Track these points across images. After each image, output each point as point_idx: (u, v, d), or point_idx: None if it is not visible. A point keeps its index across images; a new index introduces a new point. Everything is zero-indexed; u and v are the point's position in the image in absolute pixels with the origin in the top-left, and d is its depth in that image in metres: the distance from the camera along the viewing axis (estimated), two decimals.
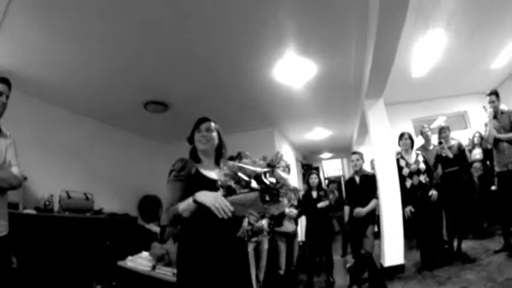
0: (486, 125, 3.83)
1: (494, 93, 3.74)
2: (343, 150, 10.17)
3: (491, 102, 3.74)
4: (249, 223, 2.77)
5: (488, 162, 4.72)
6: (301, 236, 5.79)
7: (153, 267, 2.94)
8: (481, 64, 5.21)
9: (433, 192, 3.86)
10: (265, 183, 1.71)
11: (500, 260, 3.52)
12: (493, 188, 4.36)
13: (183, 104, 4.98)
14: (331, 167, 13.42)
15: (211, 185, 1.76)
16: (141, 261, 3.09)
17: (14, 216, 2.51)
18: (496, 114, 3.74)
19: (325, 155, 11.54)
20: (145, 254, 3.23)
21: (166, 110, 5.08)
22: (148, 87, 4.42)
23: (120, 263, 3.19)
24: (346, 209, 4.40)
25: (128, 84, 4.28)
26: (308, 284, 4.55)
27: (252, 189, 1.67)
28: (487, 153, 4.66)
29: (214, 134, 1.99)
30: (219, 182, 1.68)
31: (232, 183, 1.69)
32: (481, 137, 4.90)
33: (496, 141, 3.69)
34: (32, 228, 3.71)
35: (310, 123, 6.97)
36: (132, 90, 4.45)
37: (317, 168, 11.94)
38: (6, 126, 2.35)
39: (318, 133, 7.76)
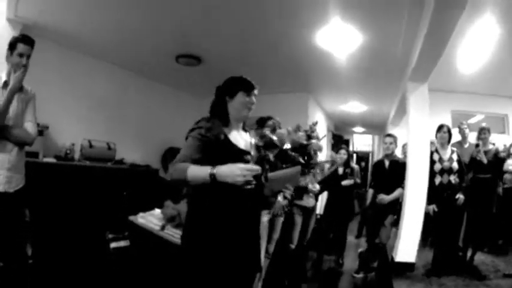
0: None
1: None
2: (377, 127, 9.82)
3: None
4: (285, 197, 2.68)
5: None
6: (319, 209, 5.72)
7: (163, 227, 2.93)
8: None
9: (460, 196, 3.63)
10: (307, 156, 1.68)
11: (507, 286, 3.37)
12: None
13: (216, 60, 4.82)
14: (362, 142, 13.10)
15: (240, 155, 1.66)
16: (151, 219, 3.10)
17: (33, 165, 2.57)
18: None
19: (358, 129, 11.17)
20: (157, 211, 3.25)
21: (199, 64, 4.94)
22: (182, 39, 4.26)
23: (131, 218, 3.23)
24: (370, 192, 4.28)
25: (161, 34, 4.13)
26: (317, 261, 4.53)
27: (294, 163, 1.61)
28: None
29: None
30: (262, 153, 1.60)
31: (271, 157, 1.62)
32: None
33: None
34: (50, 177, 3.84)
35: (346, 95, 6.68)
36: (165, 41, 4.32)
37: (347, 141, 11.68)
38: (34, 74, 2.34)
39: (353, 106, 7.46)
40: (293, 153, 1.66)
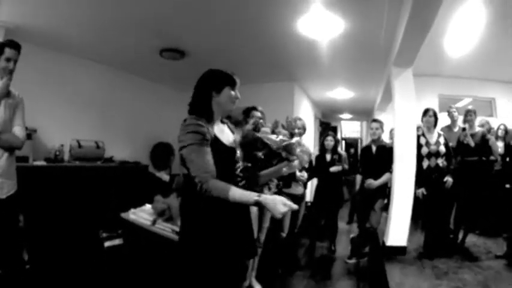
0: None
1: None
2: (364, 113, 9.89)
3: None
4: (269, 188, 2.77)
5: (508, 159, 4.46)
6: (309, 196, 5.77)
7: (154, 222, 2.93)
8: None
9: (448, 179, 3.69)
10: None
11: (499, 267, 3.45)
12: (508, 186, 4.17)
13: (200, 52, 4.77)
14: (350, 129, 13.19)
15: (231, 154, 1.68)
16: (142, 215, 3.10)
17: (24, 170, 2.57)
18: None
19: (345, 115, 11.24)
20: (148, 207, 3.24)
21: (183, 57, 4.89)
22: (165, 34, 4.21)
23: (123, 215, 3.22)
24: (358, 177, 4.33)
25: (144, 30, 4.07)
26: (310, 248, 4.59)
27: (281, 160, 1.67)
28: (509, 149, 4.42)
29: None
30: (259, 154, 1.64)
31: (261, 155, 1.67)
32: (506, 131, 4.63)
33: None
34: (41, 181, 3.84)
35: (332, 82, 6.67)
36: (148, 36, 4.26)
37: (335, 128, 11.75)
38: (19, 77, 2.35)
39: (339, 93, 7.47)
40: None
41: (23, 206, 2.40)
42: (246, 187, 1.64)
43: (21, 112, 2.31)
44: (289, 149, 1.72)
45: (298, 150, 1.76)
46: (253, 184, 1.73)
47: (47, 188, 3.88)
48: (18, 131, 2.25)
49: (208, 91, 1.68)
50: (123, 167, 5.10)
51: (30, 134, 3.74)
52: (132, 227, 3.08)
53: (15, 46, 2.22)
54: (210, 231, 1.59)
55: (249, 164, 1.63)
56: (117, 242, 3.69)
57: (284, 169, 1.78)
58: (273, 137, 1.76)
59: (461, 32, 4.01)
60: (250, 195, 1.44)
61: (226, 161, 1.62)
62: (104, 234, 3.77)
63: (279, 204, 1.40)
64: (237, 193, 1.45)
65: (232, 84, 1.71)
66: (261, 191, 1.70)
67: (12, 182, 2.27)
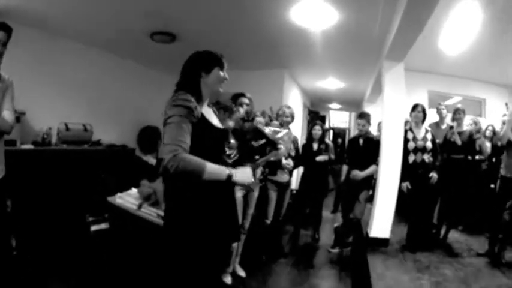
0: (503, 123, 3.57)
1: None
2: (353, 104, 9.94)
3: None
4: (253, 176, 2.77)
5: (494, 159, 4.57)
6: (295, 184, 5.82)
7: (140, 206, 2.93)
8: None
9: (434, 175, 3.76)
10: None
11: (480, 265, 3.52)
12: (493, 186, 4.26)
13: (191, 36, 4.68)
14: (338, 119, 13.26)
15: (219, 135, 1.71)
16: (128, 199, 3.09)
17: (11, 154, 2.52)
18: None
19: (334, 105, 11.27)
20: (134, 191, 3.23)
21: (174, 41, 4.80)
22: (156, 16, 4.09)
23: (110, 199, 3.20)
24: (344, 168, 4.35)
25: (135, 11, 3.94)
26: (294, 236, 4.65)
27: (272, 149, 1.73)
28: (495, 150, 4.49)
29: None
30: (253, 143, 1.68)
31: (255, 144, 1.72)
32: (494, 132, 4.71)
33: (509, 144, 3.49)
34: (29, 164, 3.79)
35: (323, 72, 6.62)
36: (138, 19, 4.14)
37: (323, 117, 11.79)
38: (7, 59, 2.27)
39: (329, 83, 7.45)
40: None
41: (10, 191, 2.35)
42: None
43: (10, 96, 2.25)
44: (279, 138, 1.76)
45: (286, 138, 1.79)
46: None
47: (35, 172, 3.84)
48: (7, 115, 2.19)
49: (197, 71, 1.68)
50: (110, 150, 5.05)
51: (18, 117, 3.67)
52: (118, 211, 3.07)
53: (6, 28, 2.15)
54: (193, 215, 1.59)
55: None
56: (103, 226, 3.68)
57: (272, 158, 1.81)
58: (267, 129, 1.79)
59: (457, 31, 4.02)
60: (223, 169, 1.52)
61: (214, 142, 1.64)
62: (90, 218, 3.75)
63: (249, 176, 1.59)
64: (211, 170, 1.46)
65: (221, 66, 1.72)
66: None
67: (0, 167, 2.23)
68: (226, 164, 1.62)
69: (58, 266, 3.02)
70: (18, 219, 3.05)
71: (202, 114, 1.60)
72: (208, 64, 1.69)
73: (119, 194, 3.22)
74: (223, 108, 2.03)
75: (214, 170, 1.48)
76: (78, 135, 4.62)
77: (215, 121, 1.73)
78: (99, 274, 2.97)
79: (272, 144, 1.72)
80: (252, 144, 1.71)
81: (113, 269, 2.97)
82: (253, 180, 1.59)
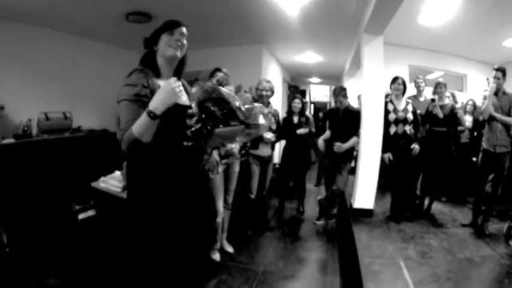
0: (485, 97, 3.65)
1: (502, 71, 3.52)
2: (333, 77, 9.96)
3: (496, 78, 3.52)
4: (220, 155, 2.68)
5: (475, 133, 4.72)
6: (277, 158, 5.87)
7: (124, 189, 2.93)
8: (494, 36, 4.96)
9: (415, 146, 3.84)
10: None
11: (464, 235, 3.64)
12: (474, 159, 4.38)
13: (167, 15, 4.49)
14: (319, 93, 13.28)
15: (179, 111, 1.54)
16: (112, 182, 3.09)
17: None
18: (498, 92, 3.57)
19: (314, 79, 11.29)
20: (117, 173, 3.23)
21: (150, 21, 4.65)
22: None
23: (94, 184, 3.19)
24: (321, 141, 4.35)
25: None
26: (279, 209, 4.73)
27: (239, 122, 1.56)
28: (477, 124, 4.65)
29: (185, 42, 1.70)
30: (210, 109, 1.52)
31: (216, 111, 1.56)
32: (474, 106, 4.85)
33: (490, 119, 3.59)
34: (11, 159, 3.75)
35: (301, 46, 6.59)
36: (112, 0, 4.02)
37: (304, 92, 11.81)
38: None
39: (308, 57, 7.43)
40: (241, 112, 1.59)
41: None
42: (196, 147, 1.61)
43: None
44: (249, 113, 1.64)
45: (261, 115, 1.71)
46: (206, 142, 1.63)
47: (18, 165, 3.81)
48: None
49: (149, 46, 1.68)
50: (90, 136, 5.04)
51: None
52: (103, 195, 3.08)
53: None
54: (155, 200, 1.58)
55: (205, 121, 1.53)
56: (90, 213, 3.67)
57: (241, 137, 1.72)
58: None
59: (438, 6, 4.06)
60: (143, 117, 1.37)
61: (172, 117, 1.52)
62: (77, 207, 3.73)
63: (169, 90, 1.41)
64: (136, 127, 1.37)
65: (170, 28, 1.66)
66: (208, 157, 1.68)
67: None
68: (188, 138, 1.56)
69: (50, 258, 2.99)
70: (7, 214, 3.00)
71: (160, 88, 1.51)
72: (154, 35, 1.67)
73: (102, 178, 3.21)
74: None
75: (137, 125, 1.38)
76: (59, 123, 4.58)
77: (184, 97, 1.63)
78: (90, 263, 2.95)
79: (234, 115, 1.58)
80: (213, 111, 1.55)
81: (103, 256, 2.98)
82: (178, 89, 1.41)
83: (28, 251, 3.05)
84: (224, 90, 1.57)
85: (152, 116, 1.35)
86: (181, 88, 1.43)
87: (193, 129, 1.51)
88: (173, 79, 1.44)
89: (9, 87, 4.10)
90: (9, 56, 4.24)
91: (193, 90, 1.57)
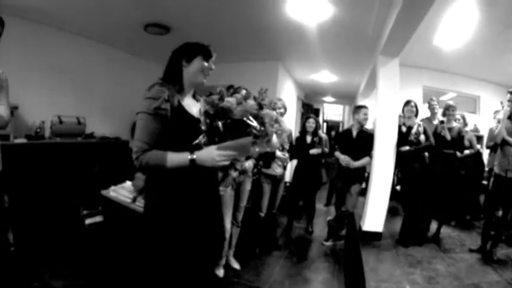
0: (498, 121, 3.60)
1: None
2: (347, 97, 9.96)
3: (510, 101, 3.46)
4: (235, 169, 2.66)
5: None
6: (288, 177, 5.84)
7: (134, 199, 2.92)
8: (508, 58, 4.89)
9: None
10: (254, 127, 1.63)
11: (472, 260, 3.57)
12: (484, 182, 4.33)
13: (186, 29, 4.63)
14: (332, 111, 13.28)
15: (193, 123, 1.64)
16: (123, 192, 3.09)
17: (5, 148, 2.50)
18: (511, 115, 3.51)
19: (328, 98, 11.27)
20: (128, 184, 3.23)
21: (168, 33, 4.76)
22: (150, 8, 4.04)
23: (104, 192, 3.19)
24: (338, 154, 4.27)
25: (128, 2, 3.89)
26: (287, 229, 4.67)
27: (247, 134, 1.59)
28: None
29: None
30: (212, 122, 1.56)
31: (220, 125, 1.58)
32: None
33: (503, 143, 3.52)
34: (23, 159, 3.77)
35: (317, 65, 6.60)
36: (132, 10, 4.09)
37: (317, 110, 11.81)
38: None
39: (324, 76, 7.45)
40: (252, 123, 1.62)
41: (6, 186, 2.33)
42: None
43: (5, 92, 2.22)
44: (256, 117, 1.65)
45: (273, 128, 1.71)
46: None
47: (29, 166, 3.83)
48: (2, 110, 2.16)
49: (178, 59, 1.68)
50: (103, 143, 5.06)
51: (12, 111, 3.63)
52: (113, 204, 3.07)
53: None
54: (170, 209, 1.59)
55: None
56: (97, 219, 3.68)
57: (257, 148, 1.75)
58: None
59: (453, 29, 4.04)
60: (185, 156, 1.48)
61: (188, 131, 1.60)
62: (85, 212, 3.74)
63: (215, 156, 1.47)
64: (173, 158, 1.47)
65: (206, 55, 1.69)
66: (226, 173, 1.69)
67: None
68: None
69: (55, 260, 3.00)
70: (15, 214, 3.02)
71: (179, 103, 1.59)
72: (190, 53, 1.68)
73: (112, 187, 3.22)
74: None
75: (175, 157, 1.48)
76: (72, 128, 4.62)
77: (195, 111, 1.71)
78: (96, 267, 2.95)
79: (240, 126, 1.60)
80: (217, 125, 1.59)
81: (109, 262, 2.97)
82: (218, 159, 1.47)
83: (33, 251, 3.06)
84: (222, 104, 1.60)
85: (192, 163, 1.47)
86: (223, 158, 1.49)
87: (202, 142, 1.55)
88: (216, 153, 1.49)
89: (25, 87, 4.12)
90: (25, 57, 4.28)
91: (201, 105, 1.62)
